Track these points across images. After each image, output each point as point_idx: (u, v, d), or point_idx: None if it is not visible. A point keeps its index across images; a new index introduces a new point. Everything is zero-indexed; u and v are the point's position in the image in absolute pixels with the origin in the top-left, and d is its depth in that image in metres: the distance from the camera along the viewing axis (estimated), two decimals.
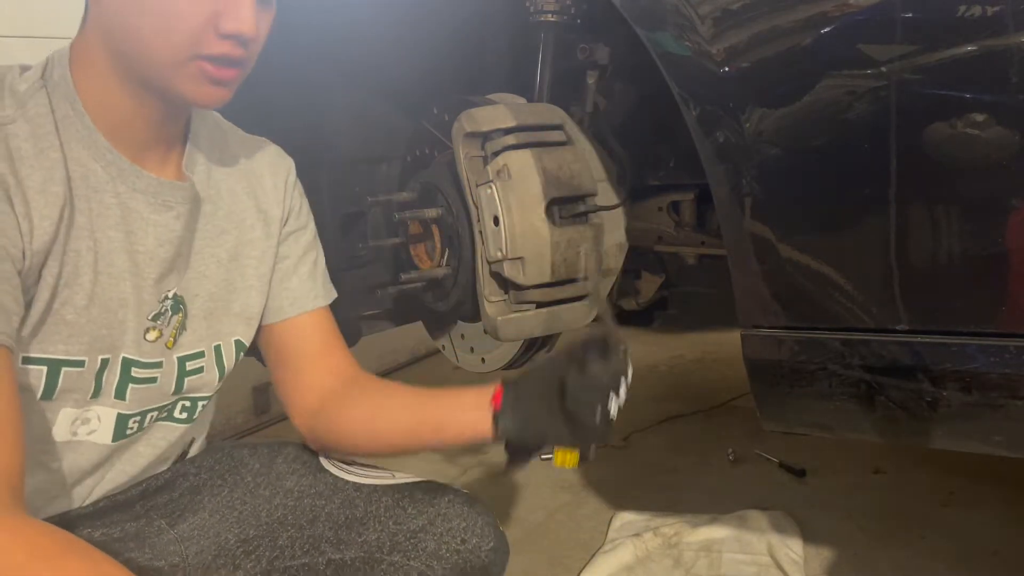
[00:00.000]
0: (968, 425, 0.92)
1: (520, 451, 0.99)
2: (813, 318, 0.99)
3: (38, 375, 0.87)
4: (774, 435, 2.02)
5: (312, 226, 1.12)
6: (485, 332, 1.30)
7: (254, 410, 2.57)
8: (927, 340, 0.91)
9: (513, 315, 1.25)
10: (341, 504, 1.03)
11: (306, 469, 1.06)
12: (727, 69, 0.97)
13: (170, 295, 0.96)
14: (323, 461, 1.08)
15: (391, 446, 1.06)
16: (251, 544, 1.01)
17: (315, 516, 1.02)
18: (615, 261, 1.35)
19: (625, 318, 1.59)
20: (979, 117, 0.83)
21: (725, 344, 3.03)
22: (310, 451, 1.10)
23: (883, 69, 0.87)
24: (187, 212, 0.95)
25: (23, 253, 0.82)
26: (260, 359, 1.11)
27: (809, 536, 1.65)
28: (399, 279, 1.39)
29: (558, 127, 1.27)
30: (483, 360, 1.48)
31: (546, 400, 0.95)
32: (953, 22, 0.83)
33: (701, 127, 1.00)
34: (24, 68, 0.88)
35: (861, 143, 0.90)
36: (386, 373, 3.05)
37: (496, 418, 0.97)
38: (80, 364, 0.89)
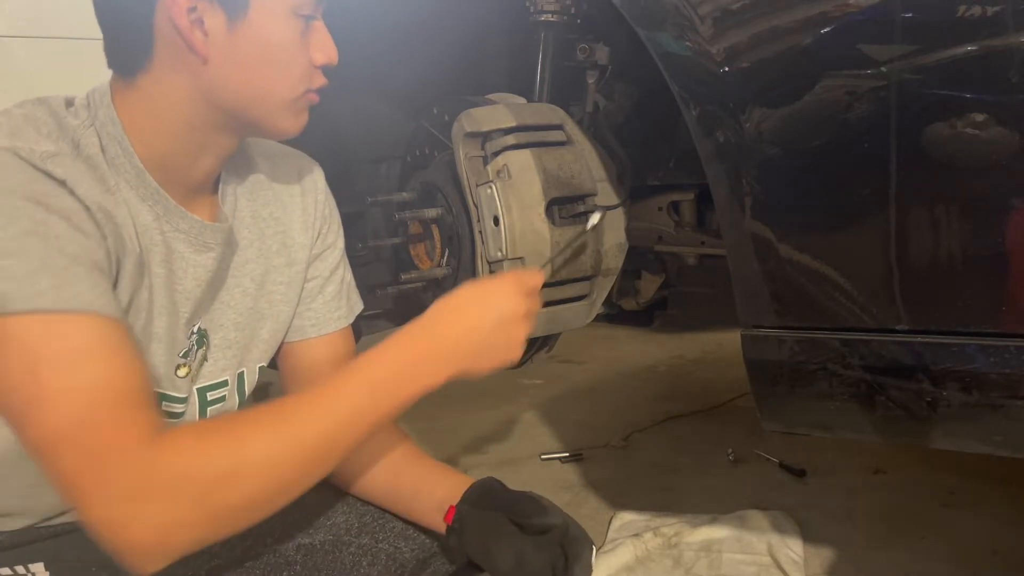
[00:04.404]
0: (968, 425, 0.92)
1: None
2: (813, 318, 0.99)
3: None
4: (774, 435, 2.02)
5: (341, 242, 1.11)
6: None
7: None
8: (927, 340, 0.91)
9: None
10: (311, 489, 1.05)
11: None
12: (727, 69, 0.97)
13: (195, 330, 0.96)
14: None
15: (367, 498, 1.07)
16: None
17: None
18: (615, 261, 1.35)
19: (625, 318, 1.59)
20: (979, 117, 0.83)
21: (725, 344, 3.03)
22: None
23: (883, 69, 0.87)
24: (223, 252, 0.95)
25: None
26: (272, 364, 1.11)
27: (809, 536, 1.65)
28: (399, 279, 1.39)
29: (558, 127, 1.27)
30: None
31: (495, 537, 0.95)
32: (953, 22, 0.83)
33: (701, 127, 1.00)
34: (69, 102, 0.88)
35: (861, 143, 0.90)
36: None
37: (448, 532, 0.98)
38: None
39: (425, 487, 1.02)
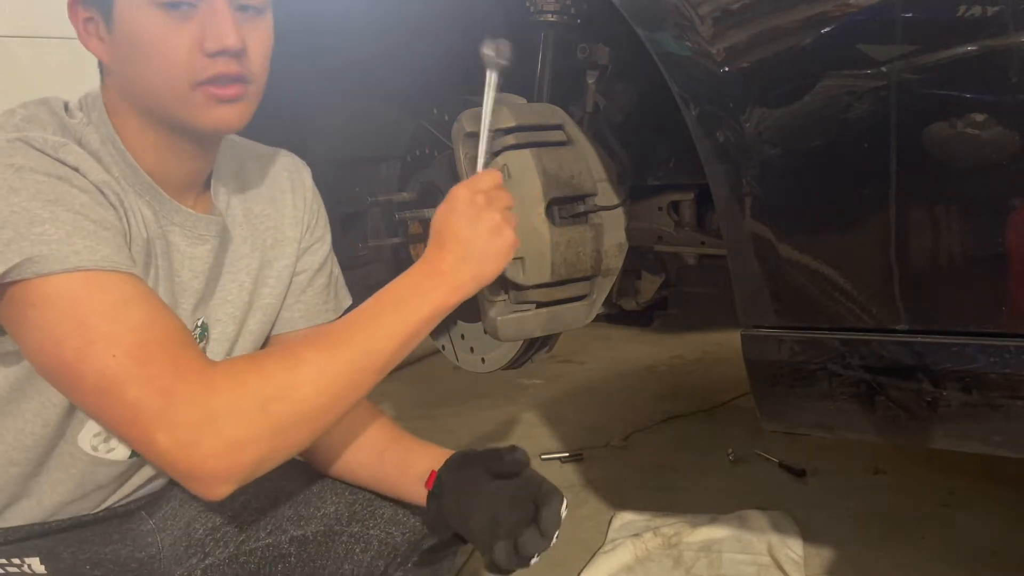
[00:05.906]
0: (968, 425, 0.92)
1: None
2: (813, 318, 0.99)
3: None
4: (774, 435, 2.02)
5: (328, 237, 1.13)
6: (485, 332, 1.30)
7: None
8: (927, 340, 0.91)
9: (513, 315, 1.25)
10: (301, 482, 1.06)
11: None
12: (727, 69, 0.97)
13: (199, 323, 0.98)
14: None
15: (354, 479, 1.09)
16: (219, 532, 1.04)
17: (277, 497, 1.05)
18: (615, 261, 1.35)
19: (625, 318, 1.59)
20: (979, 117, 0.83)
21: (725, 344, 3.03)
22: None
23: (883, 69, 0.87)
24: (218, 245, 0.97)
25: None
26: None
27: (809, 536, 1.65)
28: None
29: (558, 127, 1.27)
30: (483, 360, 1.48)
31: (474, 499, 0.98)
32: (953, 22, 0.83)
33: (701, 127, 1.00)
34: (66, 105, 0.91)
35: (861, 143, 0.90)
36: None
37: (428, 499, 1.01)
38: None
39: (410, 460, 1.04)
